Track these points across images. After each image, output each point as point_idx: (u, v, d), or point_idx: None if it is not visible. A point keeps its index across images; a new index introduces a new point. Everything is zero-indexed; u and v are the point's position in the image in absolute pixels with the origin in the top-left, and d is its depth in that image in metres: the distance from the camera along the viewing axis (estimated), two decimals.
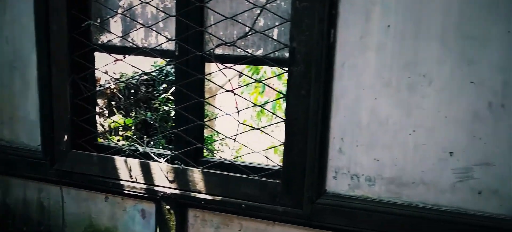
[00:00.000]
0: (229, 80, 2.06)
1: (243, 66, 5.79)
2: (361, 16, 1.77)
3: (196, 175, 2.07)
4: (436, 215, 1.81)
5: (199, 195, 2.07)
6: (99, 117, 5.75)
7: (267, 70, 6.12)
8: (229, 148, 6.97)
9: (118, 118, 5.77)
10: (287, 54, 1.90)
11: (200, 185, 2.06)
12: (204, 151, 2.28)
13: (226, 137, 2.07)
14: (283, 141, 1.92)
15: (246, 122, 1.96)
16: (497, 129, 1.71)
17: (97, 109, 4.74)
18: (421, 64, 1.74)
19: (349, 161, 1.88)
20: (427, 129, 1.77)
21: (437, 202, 1.82)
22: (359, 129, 1.84)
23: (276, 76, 2.12)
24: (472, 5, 1.67)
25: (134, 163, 2.17)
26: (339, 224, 1.90)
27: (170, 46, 2.13)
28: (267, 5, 1.92)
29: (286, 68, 1.87)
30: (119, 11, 2.19)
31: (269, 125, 2.04)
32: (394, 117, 1.80)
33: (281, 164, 1.95)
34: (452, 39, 1.70)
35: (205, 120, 2.15)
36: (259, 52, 1.99)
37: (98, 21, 2.24)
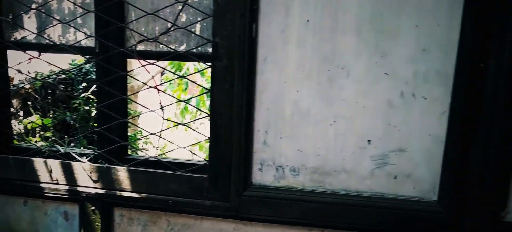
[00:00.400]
0: (153, 77, 2.03)
1: (166, 63, 5.72)
2: (281, 11, 1.81)
3: (121, 173, 2.03)
4: (357, 200, 1.89)
5: (124, 194, 2.03)
6: (14, 118, 5.46)
7: (190, 67, 6.10)
8: (154, 147, 6.88)
9: (35, 118, 5.51)
10: (210, 50, 1.90)
11: (126, 183, 2.02)
12: (129, 150, 2.24)
13: (150, 134, 2.04)
14: (209, 136, 1.92)
15: (170, 119, 1.95)
16: (409, 116, 1.82)
17: (12, 110, 4.48)
18: (340, 57, 1.81)
19: (274, 153, 1.92)
20: (346, 119, 1.85)
21: (357, 188, 1.90)
22: (283, 121, 1.89)
23: (198, 72, 2.10)
24: (384, 1, 1.76)
25: (55, 164, 2.09)
26: (266, 214, 1.94)
27: (90, 43, 2.06)
28: (189, 1, 1.91)
29: (210, 64, 1.88)
30: (33, 6, 2.10)
31: (194, 120, 2.03)
32: (315, 108, 1.86)
33: (207, 159, 1.96)
34: (367, 33, 1.78)
35: (128, 118, 2.11)
36: (182, 48, 1.99)
37: (10, 17, 2.12)
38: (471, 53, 1.72)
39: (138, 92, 2.28)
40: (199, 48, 1.96)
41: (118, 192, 2.04)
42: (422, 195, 1.88)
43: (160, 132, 2.02)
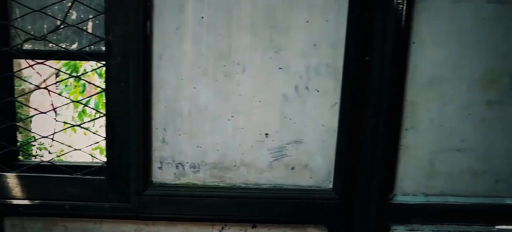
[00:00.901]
0: (45, 80, 1.93)
1: (61, 64, 5.46)
2: (176, 8, 1.80)
3: (11, 180, 1.91)
4: (257, 193, 1.93)
5: (15, 202, 1.92)
6: None
7: (87, 69, 5.86)
8: (49, 152, 6.54)
9: None
10: (104, 48, 1.85)
11: (16, 191, 1.91)
12: (21, 156, 2.12)
13: (42, 137, 1.94)
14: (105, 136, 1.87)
15: (67, 123, 1.86)
16: (303, 109, 1.89)
17: None
18: (235, 53, 1.83)
19: (173, 150, 1.91)
20: (244, 113, 1.88)
21: (257, 181, 1.95)
22: (181, 118, 1.88)
23: (93, 71, 2.04)
24: None
25: None
26: (167, 213, 1.93)
27: None
28: None
29: (104, 62, 1.82)
30: None
31: (90, 121, 1.97)
32: (213, 104, 1.87)
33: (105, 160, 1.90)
34: (261, 29, 1.82)
35: (18, 121, 1.99)
36: (74, 46, 1.91)
37: None
38: (357, 48, 1.81)
39: (25, 94, 2.16)
40: (92, 46, 1.89)
41: (8, 201, 1.92)
42: (318, 183, 1.96)
43: (53, 134, 1.93)
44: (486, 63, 1.85)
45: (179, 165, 1.92)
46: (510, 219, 1.98)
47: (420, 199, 1.98)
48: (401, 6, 1.79)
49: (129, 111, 1.83)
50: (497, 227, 1.98)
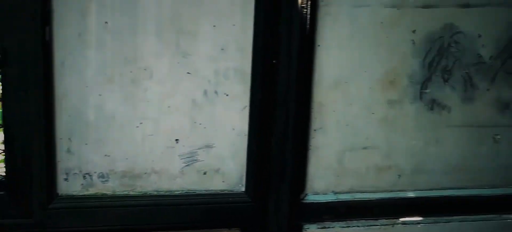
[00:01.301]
0: None
1: None
2: (77, 13, 1.74)
3: None
4: (169, 200, 1.91)
5: None
6: None
7: None
8: None
9: None
10: None
11: None
12: None
13: None
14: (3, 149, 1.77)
15: None
16: (213, 113, 1.89)
17: None
18: (142, 58, 1.80)
19: (80, 161, 1.84)
20: (153, 120, 1.85)
21: (169, 187, 1.92)
22: (87, 127, 1.82)
23: None
24: (183, 1, 1.79)
25: None
26: (75, 225, 1.86)
27: None
28: None
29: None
30: None
31: None
32: (120, 111, 1.82)
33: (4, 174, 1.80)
34: (168, 33, 1.80)
35: None
36: None
37: None
38: (264, 51, 1.84)
39: None
40: None
41: None
42: (231, 187, 1.97)
43: None
44: (386, 64, 1.95)
45: (87, 175, 1.86)
46: (413, 212, 2.09)
47: (330, 197, 2.04)
48: (305, 10, 1.84)
49: (29, 122, 1.74)
50: (401, 219, 2.08)
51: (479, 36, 1.98)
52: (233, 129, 1.92)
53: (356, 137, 2.00)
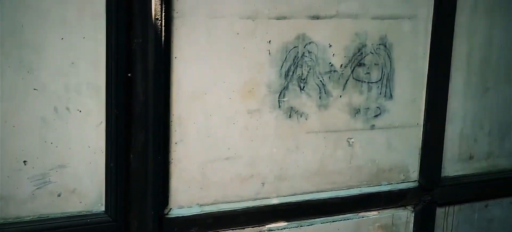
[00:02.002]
0: None
1: None
2: None
3: None
4: (18, 227, 1.77)
5: None
6: None
7: None
8: None
9: None
10: None
11: None
12: None
13: None
14: None
15: None
16: (66, 131, 1.78)
17: None
18: None
19: None
20: None
21: (18, 214, 1.78)
22: None
23: None
24: (24, 12, 1.67)
25: None
26: None
27: None
28: None
29: None
30: None
31: None
32: None
33: None
34: (9, 47, 1.67)
35: None
36: None
37: None
38: (118, 65, 1.78)
39: None
40: None
41: None
42: (89, 208, 1.87)
43: None
44: (244, 75, 1.99)
45: None
46: (278, 218, 2.14)
47: (195, 210, 2.02)
48: (159, 22, 1.81)
49: None
50: (267, 226, 2.12)
51: (330, 46, 2.09)
52: (89, 147, 1.83)
53: (218, 147, 2.01)
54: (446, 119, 2.40)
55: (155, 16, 1.80)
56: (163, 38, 1.83)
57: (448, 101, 2.38)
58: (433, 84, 2.32)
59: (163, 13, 1.81)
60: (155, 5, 1.78)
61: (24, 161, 1.76)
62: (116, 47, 1.78)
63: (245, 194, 2.09)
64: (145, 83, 1.84)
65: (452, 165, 2.50)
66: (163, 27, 1.82)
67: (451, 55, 2.33)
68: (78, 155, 1.82)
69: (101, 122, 1.83)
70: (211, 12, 1.90)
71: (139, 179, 1.89)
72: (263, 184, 2.11)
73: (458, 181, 2.50)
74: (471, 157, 2.54)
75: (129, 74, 1.81)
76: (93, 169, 1.85)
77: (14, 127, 1.72)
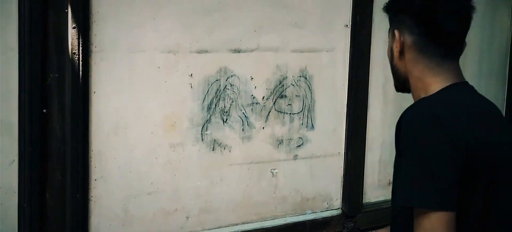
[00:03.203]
0: None
1: None
2: None
3: None
4: None
5: None
6: None
7: None
8: None
9: None
10: None
11: None
12: None
13: None
14: None
15: None
16: None
17: None
18: None
19: None
20: None
21: None
22: None
23: None
24: None
25: None
26: None
27: None
28: None
29: None
30: None
31: None
32: None
33: None
34: None
35: None
36: None
37: None
38: (31, 101, 1.72)
39: None
40: None
41: None
42: None
43: None
44: (165, 108, 1.97)
45: None
46: None
47: None
48: (76, 56, 1.77)
49: None
50: None
51: (252, 78, 2.13)
52: (0, 187, 1.73)
53: (140, 182, 1.97)
54: (366, 146, 2.49)
55: (72, 50, 1.76)
56: (80, 73, 1.79)
57: (366, 130, 2.47)
58: (353, 114, 2.41)
59: (81, 48, 1.77)
60: (72, 39, 1.75)
61: None
62: (29, 82, 1.72)
63: (169, 228, 2.05)
64: (62, 119, 1.79)
65: (373, 191, 2.59)
66: (80, 62, 1.78)
67: (368, 86, 2.44)
68: None
69: (14, 160, 1.75)
70: (131, 46, 1.88)
71: (55, 218, 1.82)
72: (187, 217, 2.09)
73: (379, 207, 2.58)
74: (390, 183, 2.65)
75: (44, 110, 1.75)
76: (4, 211, 1.77)
77: None
